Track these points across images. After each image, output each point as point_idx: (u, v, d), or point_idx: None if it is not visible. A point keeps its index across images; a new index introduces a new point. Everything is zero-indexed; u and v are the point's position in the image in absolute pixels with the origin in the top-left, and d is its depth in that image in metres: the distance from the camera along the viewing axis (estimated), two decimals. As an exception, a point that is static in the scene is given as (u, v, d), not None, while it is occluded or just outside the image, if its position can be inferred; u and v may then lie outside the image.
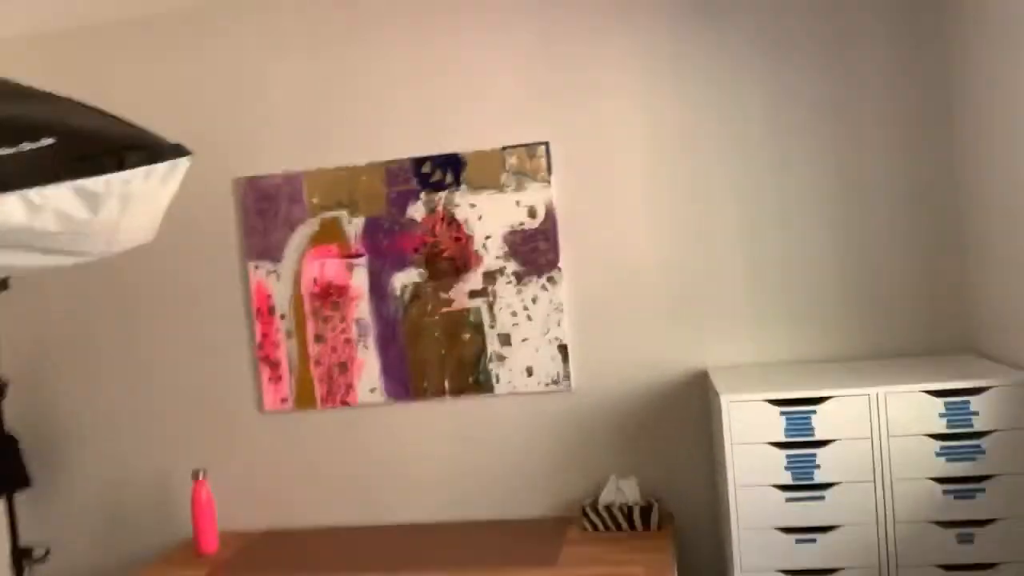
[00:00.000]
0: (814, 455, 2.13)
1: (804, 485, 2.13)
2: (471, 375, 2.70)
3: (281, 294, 2.78)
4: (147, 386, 2.90)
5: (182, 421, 2.88)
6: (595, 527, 2.51)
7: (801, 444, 2.13)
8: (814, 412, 2.12)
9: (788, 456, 2.13)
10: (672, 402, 2.62)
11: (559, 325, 2.64)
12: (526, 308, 2.66)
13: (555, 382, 2.66)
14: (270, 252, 2.79)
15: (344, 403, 2.77)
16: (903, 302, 2.50)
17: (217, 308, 2.84)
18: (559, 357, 2.65)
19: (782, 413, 2.13)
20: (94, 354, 2.92)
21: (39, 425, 2.95)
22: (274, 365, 2.80)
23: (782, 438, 2.14)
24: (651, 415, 2.63)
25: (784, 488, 2.14)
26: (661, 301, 2.60)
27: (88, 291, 2.92)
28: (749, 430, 2.14)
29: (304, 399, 2.79)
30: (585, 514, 2.53)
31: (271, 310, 2.79)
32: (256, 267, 2.80)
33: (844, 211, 2.50)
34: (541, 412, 2.68)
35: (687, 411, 2.62)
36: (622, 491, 2.56)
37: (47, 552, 2.69)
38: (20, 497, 2.91)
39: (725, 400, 2.15)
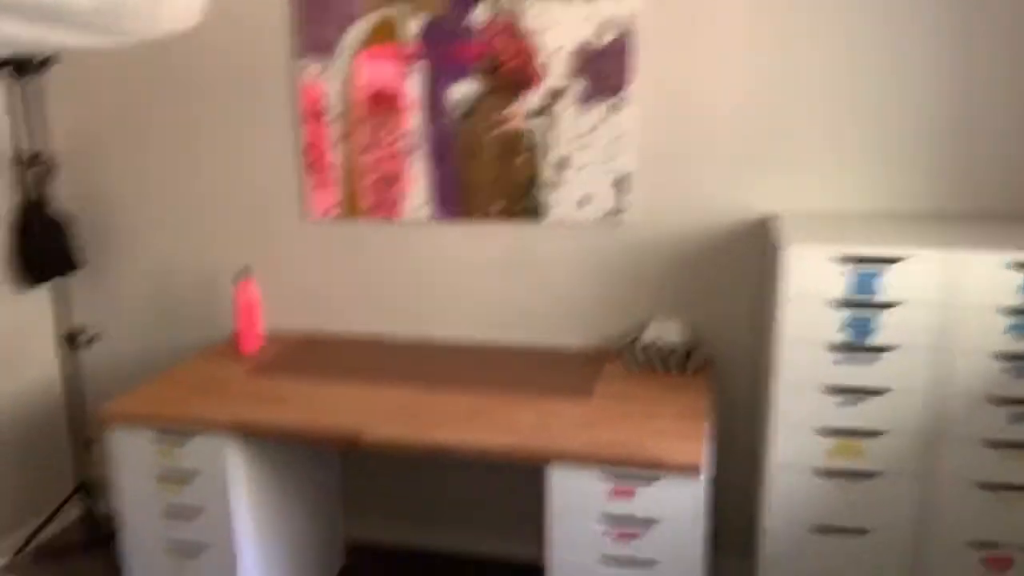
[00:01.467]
0: (874, 317, 2.01)
1: (858, 347, 2.03)
2: (522, 200, 2.58)
3: (331, 97, 2.65)
4: (197, 181, 2.85)
5: (230, 221, 2.85)
6: (634, 364, 2.47)
7: (862, 304, 2.01)
8: (882, 272, 1.99)
9: (846, 315, 2.02)
10: (728, 247, 2.50)
11: (620, 156, 2.49)
12: (587, 134, 2.50)
13: (609, 215, 2.54)
14: (321, 49, 2.63)
15: (390, 217, 2.70)
16: (1000, 162, 2.28)
17: (266, 108, 2.73)
18: (615, 189, 2.51)
19: (846, 270, 2.00)
20: (145, 143, 2.87)
21: (91, 209, 2.95)
22: (321, 172, 2.72)
23: (842, 295, 2.02)
24: (705, 258, 2.52)
25: (836, 348, 2.04)
26: (733, 139, 2.42)
27: (139, 77, 2.81)
28: (808, 284, 2.02)
29: (350, 209, 2.72)
30: (625, 351, 2.48)
31: (320, 113, 2.67)
32: (306, 66, 2.65)
33: (948, 59, 2.24)
34: (590, 244, 2.58)
35: (743, 258, 2.49)
36: (665, 332, 2.49)
37: (94, 336, 2.75)
38: (70, 280, 2.96)
39: (787, 251, 2.02)
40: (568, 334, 2.66)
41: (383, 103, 2.62)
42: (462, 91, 2.55)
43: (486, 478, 2.84)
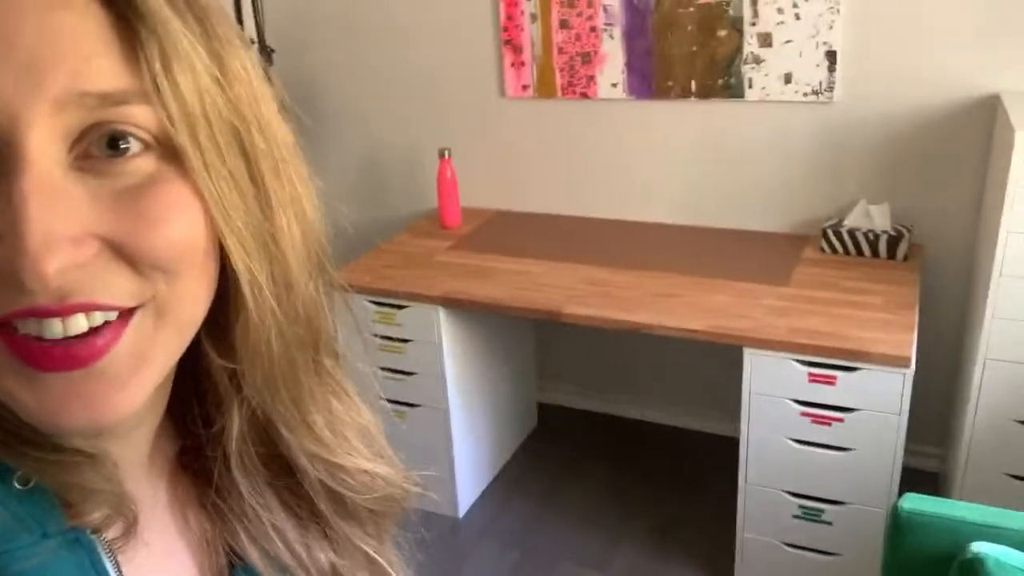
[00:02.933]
0: None
1: None
2: (722, 77, 2.51)
3: (528, -27, 2.64)
4: (400, 62, 2.96)
5: (432, 99, 2.96)
6: (835, 250, 2.42)
7: None
8: None
9: None
10: (948, 129, 2.33)
11: (831, 28, 2.34)
12: (796, 5, 2.36)
13: (815, 92, 2.42)
14: (519, -75, 2.60)
15: (584, 95, 2.70)
16: None
17: (463, -15, 2.76)
18: (824, 64, 2.39)
19: None
20: (351, 28, 2.99)
21: (302, 94, 3.14)
22: (517, 50, 2.74)
23: None
24: (920, 140, 2.37)
25: None
26: (960, 6, 2.21)
27: (340, -42, 2.90)
28: (1042, 172, 1.88)
29: (545, 87, 2.75)
30: (826, 235, 2.43)
31: (517, -10, 2.67)
32: (504, -59, 2.64)
33: None
34: (794, 123, 2.49)
35: (964, 142, 2.33)
36: (871, 216, 2.41)
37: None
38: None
39: (1021, 134, 1.87)
40: (764, 216, 2.62)
41: (580, -22, 2.58)
42: (663, -37, 2.47)
43: (677, 354, 2.92)
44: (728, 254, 2.47)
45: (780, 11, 2.38)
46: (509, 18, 2.71)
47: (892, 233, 2.35)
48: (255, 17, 2.79)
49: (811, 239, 2.53)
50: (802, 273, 2.31)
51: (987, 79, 2.25)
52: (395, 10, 2.89)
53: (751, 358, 2.04)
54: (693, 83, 2.55)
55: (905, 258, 2.35)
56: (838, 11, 2.33)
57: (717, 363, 2.78)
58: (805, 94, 2.44)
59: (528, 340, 2.99)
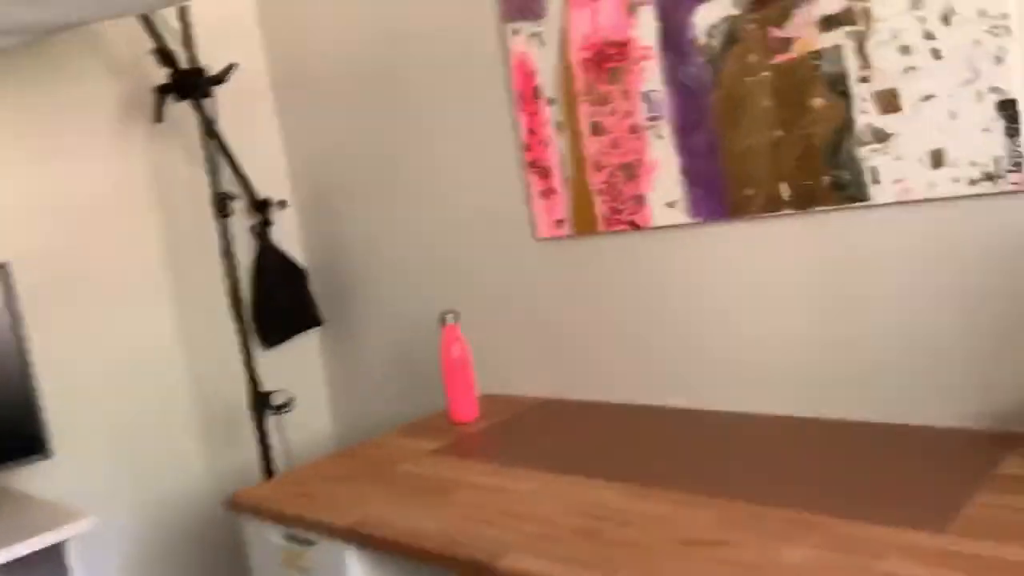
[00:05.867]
0: None
1: None
2: (827, 172, 1.54)
3: (546, 67, 1.91)
4: (413, 212, 2.31)
5: (449, 255, 2.25)
6: (1060, 461, 1.25)
7: None
8: None
9: None
10: None
11: (1001, 61, 1.33)
12: (930, 36, 1.39)
13: (990, 177, 1.37)
14: (530, 4, 1.92)
15: (632, 225, 1.84)
16: None
17: (474, 94, 2.09)
18: (1001, 124, 1.35)
19: None
20: (363, 177, 2.42)
21: (327, 258, 2.59)
22: (544, 173, 1.97)
23: None
24: None
25: None
26: None
27: (361, 107, 2.39)
28: None
29: (583, 220, 1.92)
30: (1040, 432, 1.28)
31: (536, 92, 1.95)
32: (515, 31, 1.96)
33: None
34: (962, 234, 1.43)
35: None
36: None
37: (289, 402, 2.32)
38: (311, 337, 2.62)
39: None
40: (931, 403, 1.50)
41: (608, 60, 1.80)
42: (712, 15, 1.63)
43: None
44: (851, 467, 1.38)
45: (905, 50, 1.41)
46: (531, 132, 1.97)
47: None
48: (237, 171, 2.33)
49: (1015, 440, 1.37)
50: (982, 506, 1.17)
51: None
52: (429, 159, 2.28)
53: None
54: (784, 187, 1.60)
55: None
56: (1007, 29, 1.31)
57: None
58: (973, 181, 1.39)
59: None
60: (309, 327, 2.53)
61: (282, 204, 2.56)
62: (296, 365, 2.61)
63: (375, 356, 2.51)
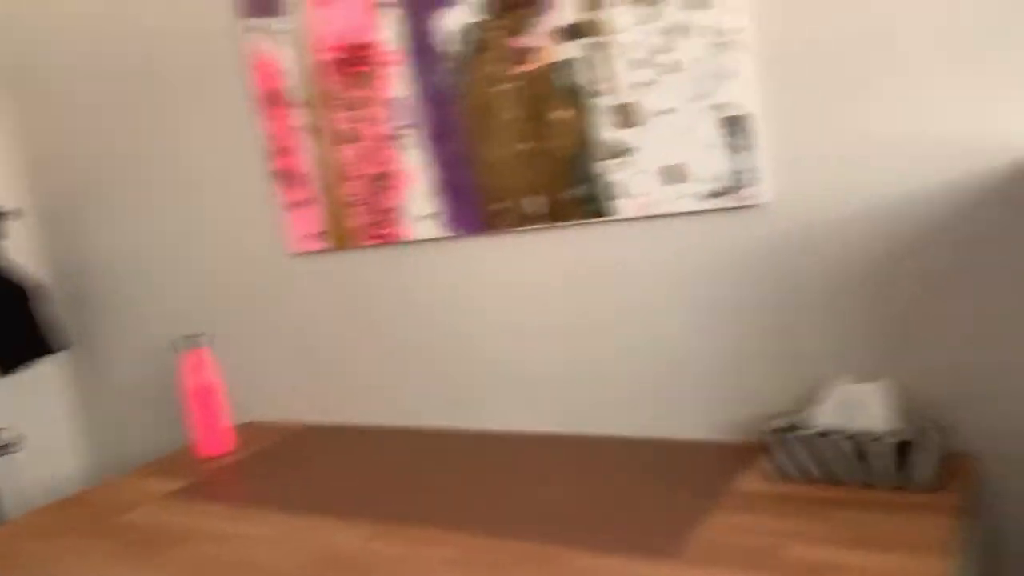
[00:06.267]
0: None
1: None
2: (570, 185, 1.50)
3: (293, 68, 1.78)
4: (159, 224, 2.11)
5: (205, 272, 2.06)
6: (791, 472, 1.27)
7: None
8: None
9: None
10: (974, 230, 1.22)
11: (733, 77, 1.33)
12: (665, 50, 1.38)
13: (720, 192, 1.38)
14: (268, 1, 1.77)
15: (387, 239, 1.74)
16: None
17: (218, 98, 1.92)
18: (730, 140, 1.36)
19: None
20: (106, 187, 2.19)
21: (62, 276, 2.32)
22: (296, 181, 1.84)
23: None
24: (927, 257, 1.26)
25: None
26: (940, 25, 1.17)
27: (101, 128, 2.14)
28: None
29: (340, 233, 1.80)
30: (771, 447, 1.29)
31: (283, 95, 1.80)
32: (252, 28, 1.80)
33: None
34: (701, 250, 1.43)
35: (999, 244, 1.21)
36: (856, 406, 1.27)
37: (16, 441, 2.07)
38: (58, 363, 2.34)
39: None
40: (679, 415, 1.50)
41: (356, 63, 1.69)
42: (457, 18, 1.55)
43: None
44: (599, 489, 1.35)
45: (642, 63, 1.39)
46: (279, 138, 1.83)
47: (896, 436, 1.19)
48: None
49: (755, 452, 1.39)
50: (716, 527, 1.16)
51: (1013, 133, 1.16)
52: (149, 150, 2.07)
53: None
54: (534, 201, 1.55)
55: (935, 482, 1.17)
56: (740, 45, 1.32)
57: None
58: (707, 196, 1.39)
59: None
60: (45, 354, 2.25)
61: (15, 214, 2.27)
62: (33, 398, 2.32)
63: (127, 384, 2.27)
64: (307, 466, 1.67)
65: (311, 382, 1.94)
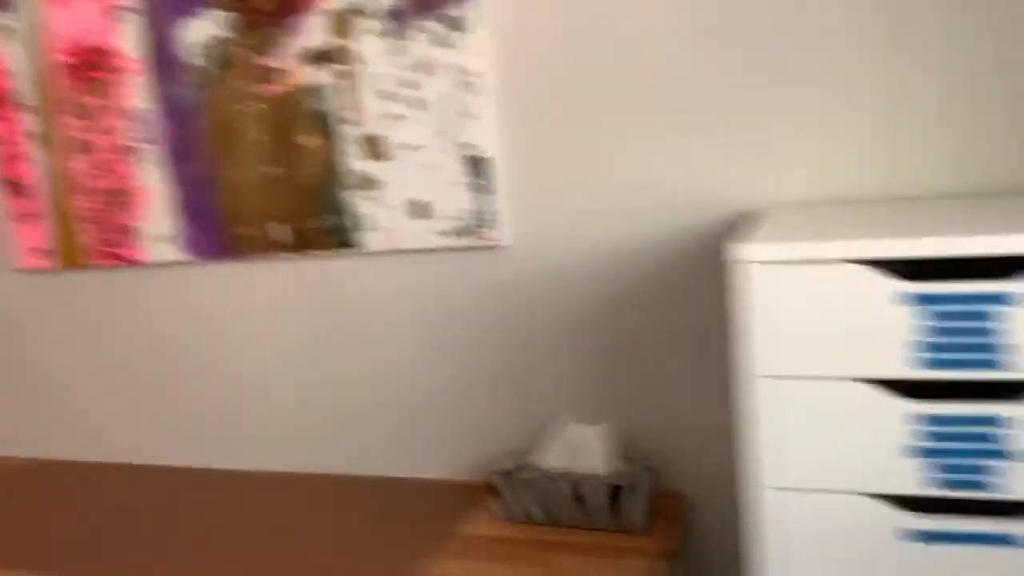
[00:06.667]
0: (995, 417, 0.78)
1: (957, 502, 0.80)
2: (318, 214, 1.45)
3: (22, 69, 1.62)
4: None
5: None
6: (516, 514, 1.28)
7: (965, 388, 0.79)
8: (995, 298, 0.77)
9: (921, 416, 0.80)
10: (687, 279, 1.29)
11: (475, 118, 1.34)
12: (413, 85, 1.36)
13: (463, 232, 1.38)
14: (-3, -7, 1.61)
15: (123, 260, 1.61)
16: None
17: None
18: (473, 181, 1.36)
19: (914, 298, 0.79)
20: None
21: None
22: (25, 193, 1.67)
23: (910, 368, 0.80)
24: (647, 301, 1.31)
25: (907, 504, 0.82)
26: (670, 85, 1.23)
27: None
28: (809, 335, 0.82)
29: (70, 252, 1.65)
30: (499, 487, 1.29)
31: (9, 97, 1.64)
32: (-18, 22, 1.63)
33: None
34: (446, 288, 1.42)
35: (716, 295, 1.28)
36: (580, 449, 1.29)
37: None
38: None
39: (752, 259, 0.82)
40: (418, 454, 1.48)
41: (93, 69, 1.56)
42: (201, 31, 1.47)
43: None
44: (319, 537, 1.30)
45: (391, 96, 1.37)
46: (6, 143, 1.65)
47: (613, 479, 1.22)
48: None
49: (484, 492, 1.39)
50: (444, 570, 1.14)
51: (730, 189, 1.24)
52: None
53: None
54: (280, 228, 1.49)
55: (645, 524, 1.21)
56: (482, 88, 1.32)
57: None
58: (450, 233, 1.38)
59: None
60: None
61: None
62: None
63: None
64: (10, 511, 1.50)
65: (37, 415, 1.76)
